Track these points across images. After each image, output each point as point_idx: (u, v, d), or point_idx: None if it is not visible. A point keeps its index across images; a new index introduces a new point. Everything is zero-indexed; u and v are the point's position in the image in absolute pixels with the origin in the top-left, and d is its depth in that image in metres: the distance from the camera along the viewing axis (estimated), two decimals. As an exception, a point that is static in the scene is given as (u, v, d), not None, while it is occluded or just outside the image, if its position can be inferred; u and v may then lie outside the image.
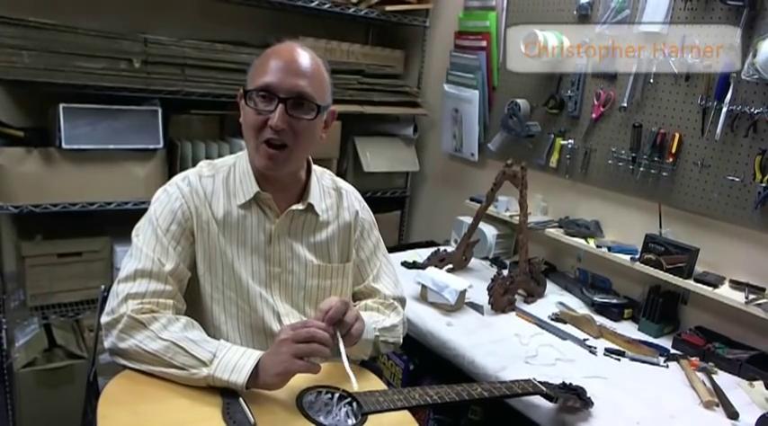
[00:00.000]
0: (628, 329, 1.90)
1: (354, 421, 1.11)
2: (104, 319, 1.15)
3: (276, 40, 1.26)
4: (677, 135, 1.88)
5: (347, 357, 1.15)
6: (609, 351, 1.72)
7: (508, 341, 1.74)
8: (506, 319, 1.90)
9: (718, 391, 1.53)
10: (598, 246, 2.05)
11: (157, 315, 1.14)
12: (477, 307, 1.93)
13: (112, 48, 2.06)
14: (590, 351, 1.73)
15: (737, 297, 1.70)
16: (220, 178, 1.29)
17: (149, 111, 2.17)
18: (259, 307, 1.27)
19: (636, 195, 2.04)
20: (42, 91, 2.02)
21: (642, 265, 1.90)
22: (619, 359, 1.70)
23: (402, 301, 1.48)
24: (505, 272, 2.14)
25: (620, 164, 2.05)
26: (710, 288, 1.75)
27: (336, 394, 1.16)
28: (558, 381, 1.42)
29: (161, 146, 2.20)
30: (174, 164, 2.28)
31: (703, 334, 1.80)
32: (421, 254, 2.34)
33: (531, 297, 2.04)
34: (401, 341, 1.43)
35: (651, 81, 1.94)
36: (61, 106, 1.98)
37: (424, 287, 1.93)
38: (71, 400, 2.13)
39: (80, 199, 2.11)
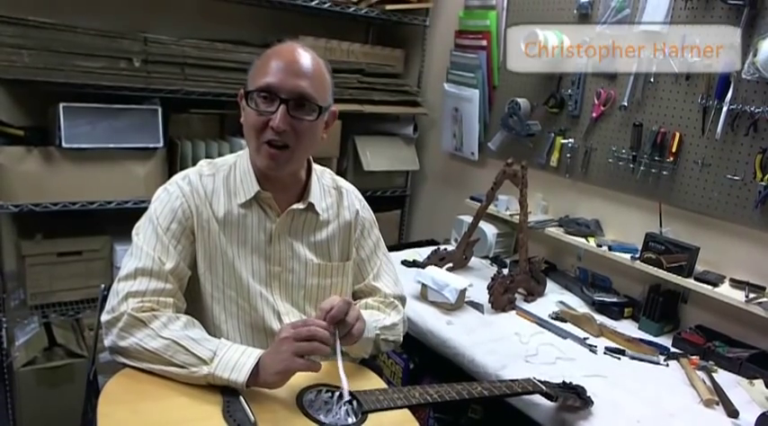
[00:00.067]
0: (628, 328, 1.90)
1: (354, 420, 1.11)
2: (105, 317, 1.15)
3: (277, 40, 1.26)
4: (677, 134, 1.88)
5: (342, 359, 1.14)
6: (609, 350, 1.72)
7: (508, 339, 1.74)
8: (506, 318, 1.90)
9: (718, 390, 1.53)
10: (598, 245, 2.05)
11: (158, 314, 1.14)
12: (477, 306, 1.93)
13: (112, 48, 2.06)
14: (590, 350, 1.73)
15: (738, 296, 1.70)
16: (221, 177, 1.29)
17: (149, 111, 2.17)
18: (259, 306, 1.27)
19: (636, 194, 2.04)
20: (42, 90, 2.02)
21: (642, 264, 1.90)
22: (619, 358, 1.70)
23: (402, 300, 1.48)
24: (506, 271, 2.14)
25: (621, 163, 2.05)
26: (711, 287, 1.75)
27: (336, 393, 1.15)
28: (558, 380, 1.42)
29: (161, 145, 2.20)
30: (174, 163, 2.28)
31: (703, 333, 1.80)
32: (421, 253, 2.34)
33: (532, 295, 2.04)
34: (401, 339, 1.43)
35: (651, 80, 1.94)
36: (61, 105, 1.98)
37: (424, 285, 1.93)
38: (71, 399, 2.13)
39: (80, 199, 2.11)
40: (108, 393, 1.07)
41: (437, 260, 2.18)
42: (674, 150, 1.89)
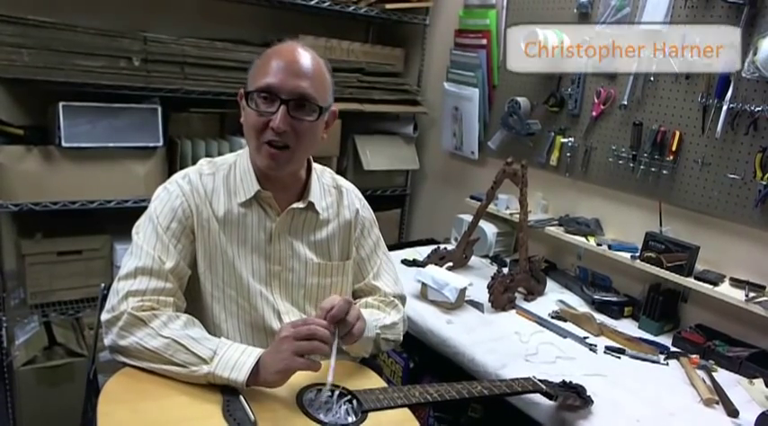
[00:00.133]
0: (628, 327, 1.90)
1: (354, 419, 1.11)
2: (105, 316, 1.15)
3: (277, 39, 1.26)
4: (677, 133, 1.88)
5: (336, 357, 1.15)
6: (609, 349, 1.72)
7: (508, 338, 1.74)
8: (506, 317, 1.90)
9: (718, 389, 1.53)
10: (598, 244, 2.05)
11: (158, 313, 1.14)
12: (477, 305, 1.93)
13: (112, 47, 2.06)
14: (590, 349, 1.73)
15: (738, 295, 1.70)
16: (221, 176, 1.29)
17: (149, 110, 2.17)
18: (259, 306, 1.27)
19: (636, 193, 2.04)
20: (42, 89, 2.02)
21: (642, 263, 1.90)
22: (619, 357, 1.70)
23: (402, 299, 1.48)
24: (506, 270, 2.14)
25: (621, 162, 2.05)
26: (711, 286, 1.75)
27: (336, 392, 1.16)
28: (558, 379, 1.42)
29: (161, 144, 2.20)
30: (173, 162, 2.28)
31: (703, 332, 1.80)
32: (421, 252, 2.34)
33: (532, 295, 2.04)
34: (401, 338, 1.43)
35: (651, 79, 1.94)
36: (61, 104, 1.98)
37: (424, 285, 1.93)
38: (71, 398, 2.13)
39: (80, 198, 2.11)
40: (108, 392, 1.07)
41: (437, 259, 2.18)
42: (674, 149, 1.89)
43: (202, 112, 2.43)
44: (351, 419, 1.12)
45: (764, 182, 1.68)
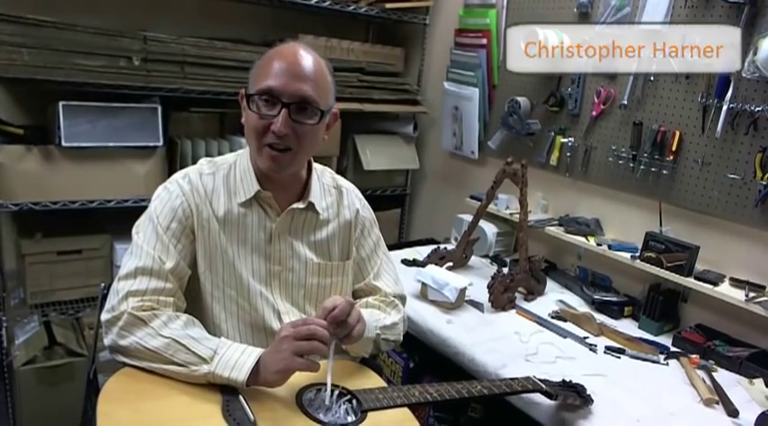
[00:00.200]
0: (628, 327, 1.90)
1: (354, 419, 1.11)
2: (105, 316, 1.15)
3: (278, 39, 1.26)
4: (678, 133, 1.88)
5: (333, 358, 1.15)
6: (609, 349, 1.72)
7: (508, 338, 1.74)
8: (506, 317, 1.90)
9: (718, 389, 1.53)
10: (598, 244, 2.05)
11: (158, 313, 1.14)
12: (477, 305, 1.93)
13: (112, 46, 2.06)
14: (590, 349, 1.73)
15: (738, 295, 1.70)
16: (221, 176, 1.29)
17: (149, 109, 2.16)
18: (259, 306, 1.27)
19: (636, 193, 2.04)
20: (42, 88, 2.02)
21: (642, 263, 1.90)
22: (619, 357, 1.70)
23: (402, 299, 1.48)
24: (506, 270, 2.14)
25: (621, 161, 2.05)
26: (711, 286, 1.75)
27: (336, 392, 1.16)
28: (558, 379, 1.42)
29: (161, 143, 2.20)
30: (173, 161, 2.28)
31: (703, 332, 1.80)
32: (421, 252, 2.34)
33: (532, 294, 2.04)
34: (401, 338, 1.43)
35: (651, 79, 1.94)
36: (61, 104, 1.98)
37: (424, 284, 1.93)
38: (71, 397, 2.13)
39: (80, 197, 2.11)
40: (108, 392, 1.07)
41: (437, 259, 2.18)
42: (674, 149, 1.89)
43: (202, 112, 2.42)
44: (350, 418, 1.11)
45: (764, 182, 1.68)
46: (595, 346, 1.74)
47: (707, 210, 1.85)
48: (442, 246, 2.29)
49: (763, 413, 1.39)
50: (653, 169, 1.95)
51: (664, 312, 1.88)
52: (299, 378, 1.13)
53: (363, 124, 2.79)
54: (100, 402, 1.03)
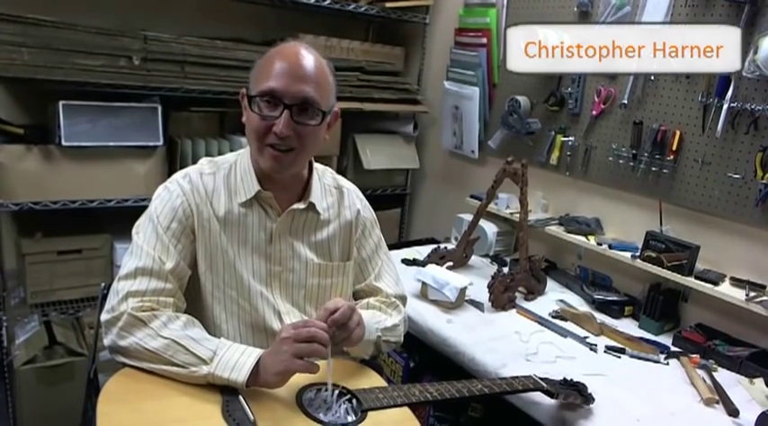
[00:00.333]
0: (628, 326, 1.90)
1: (354, 418, 1.11)
2: (104, 317, 1.15)
3: (279, 39, 1.25)
4: (678, 132, 1.88)
5: (331, 359, 1.15)
6: (609, 349, 1.72)
7: (508, 338, 1.74)
8: (507, 316, 1.90)
9: (718, 388, 1.53)
10: (599, 244, 2.05)
11: (158, 313, 1.13)
12: (477, 305, 1.93)
13: (112, 46, 2.06)
14: (590, 349, 1.73)
15: (738, 295, 1.70)
16: (221, 176, 1.29)
17: (149, 109, 2.16)
18: (260, 306, 1.27)
19: (636, 192, 2.04)
20: (42, 88, 2.02)
21: (643, 262, 1.90)
22: (619, 357, 1.70)
23: (403, 299, 1.48)
24: (506, 270, 2.14)
25: (621, 161, 2.05)
26: (711, 286, 1.75)
27: (336, 391, 1.16)
28: (558, 378, 1.42)
29: (161, 143, 2.20)
30: (174, 161, 2.28)
31: (704, 332, 1.80)
32: (421, 252, 2.34)
33: (532, 294, 2.04)
34: (402, 339, 1.43)
35: (652, 78, 1.94)
36: (61, 103, 1.98)
37: (424, 284, 1.93)
38: (71, 397, 2.13)
39: (80, 197, 2.11)
40: (108, 392, 1.07)
41: (437, 258, 2.18)
42: (674, 148, 1.89)
43: (203, 111, 2.42)
44: (350, 418, 1.11)
45: (765, 182, 1.67)
46: (596, 346, 1.74)
47: (707, 210, 1.84)
48: (442, 246, 2.29)
49: (763, 413, 1.39)
50: (653, 168, 1.95)
51: (664, 311, 1.88)
52: (299, 378, 1.13)
53: (363, 123, 2.78)
54: (100, 402, 1.03)
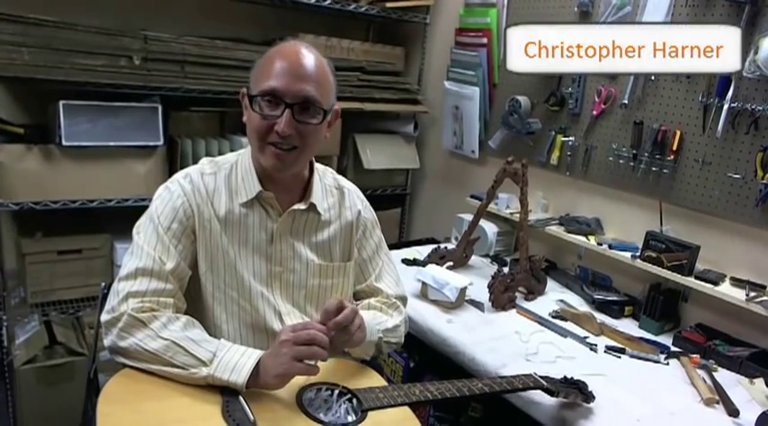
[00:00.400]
0: (628, 326, 1.90)
1: (354, 418, 1.11)
2: (104, 317, 1.15)
3: (279, 39, 1.25)
4: (678, 132, 1.88)
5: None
6: (609, 349, 1.72)
7: (509, 338, 1.74)
8: (507, 316, 1.90)
9: (718, 388, 1.53)
10: (599, 244, 2.05)
11: (158, 314, 1.13)
12: (477, 305, 1.93)
13: (112, 45, 2.06)
14: (590, 349, 1.73)
15: (738, 295, 1.70)
16: (222, 176, 1.29)
17: (149, 108, 2.16)
18: (260, 307, 1.27)
19: (637, 192, 2.04)
20: (42, 88, 2.02)
21: (643, 262, 1.90)
22: (619, 357, 1.70)
23: (404, 300, 1.48)
24: (506, 270, 2.14)
25: (621, 161, 2.05)
26: (711, 286, 1.75)
27: (336, 391, 1.16)
28: (558, 377, 1.42)
29: (161, 143, 2.20)
30: (174, 161, 2.28)
31: (704, 332, 1.80)
32: (421, 252, 2.34)
33: (532, 294, 2.04)
34: (403, 340, 1.43)
35: (652, 78, 1.94)
36: (61, 103, 1.98)
37: (424, 284, 1.93)
38: (71, 397, 2.14)
39: (80, 197, 2.11)
40: (108, 392, 1.07)
41: (437, 258, 2.18)
42: (674, 148, 1.89)
43: (203, 111, 2.42)
44: (351, 418, 1.11)
45: (765, 182, 1.67)
46: (596, 346, 1.74)
47: (707, 210, 1.84)
48: (442, 246, 2.29)
49: (763, 413, 1.39)
50: (653, 168, 1.95)
51: (664, 311, 1.88)
52: (299, 379, 1.13)
53: (364, 123, 2.78)
54: (100, 403, 1.03)
